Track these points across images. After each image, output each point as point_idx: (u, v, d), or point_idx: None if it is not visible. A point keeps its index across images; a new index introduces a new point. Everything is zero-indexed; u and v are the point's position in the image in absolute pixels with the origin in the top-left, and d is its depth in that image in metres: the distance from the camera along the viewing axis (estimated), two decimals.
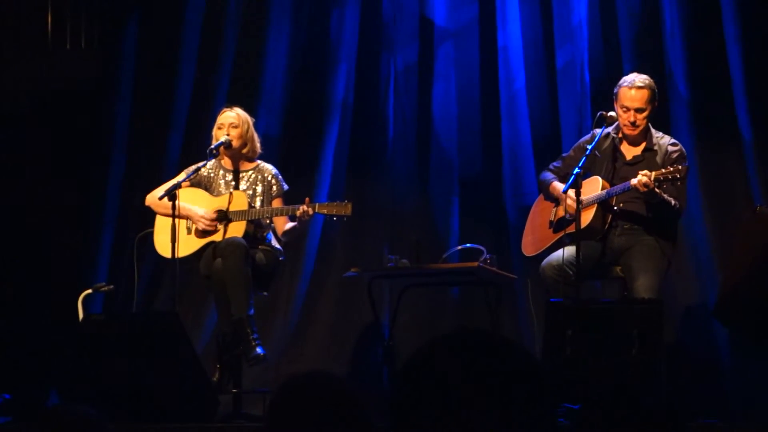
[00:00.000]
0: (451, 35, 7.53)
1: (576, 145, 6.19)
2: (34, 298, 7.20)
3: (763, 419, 5.92)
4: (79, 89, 7.56)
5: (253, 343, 5.82)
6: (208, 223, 6.06)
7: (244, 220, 6.03)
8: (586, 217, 5.79)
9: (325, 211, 5.96)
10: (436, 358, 1.70)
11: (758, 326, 5.71)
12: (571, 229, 5.71)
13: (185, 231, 6.08)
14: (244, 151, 6.25)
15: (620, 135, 5.98)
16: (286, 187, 6.30)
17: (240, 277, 5.81)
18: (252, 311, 5.86)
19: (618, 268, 5.92)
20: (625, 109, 5.86)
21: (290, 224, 6.16)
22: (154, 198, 6.17)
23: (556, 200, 6.08)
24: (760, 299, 5.56)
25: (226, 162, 6.30)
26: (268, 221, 6.20)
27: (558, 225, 6.01)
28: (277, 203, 6.24)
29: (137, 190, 6.96)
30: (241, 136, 6.20)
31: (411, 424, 1.66)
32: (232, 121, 6.21)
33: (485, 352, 1.69)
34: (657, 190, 5.59)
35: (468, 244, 6.67)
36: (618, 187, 5.78)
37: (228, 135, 6.17)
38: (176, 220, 5.85)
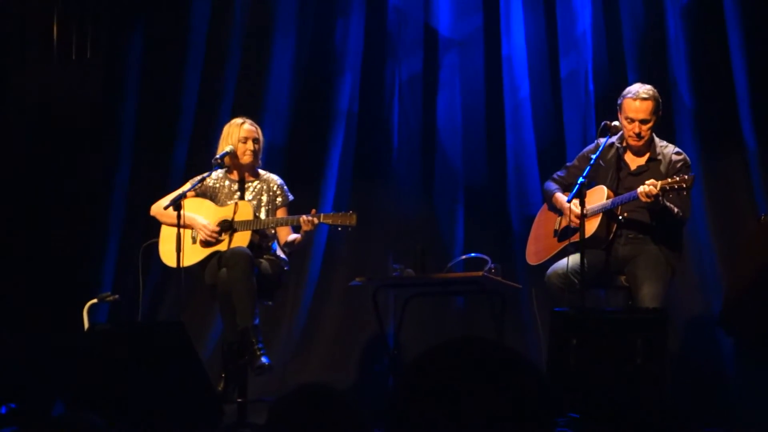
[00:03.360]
0: (455, 45, 7.55)
1: (580, 154, 6.18)
2: (40, 307, 7.22)
3: (767, 428, 5.91)
4: (84, 100, 7.58)
5: (258, 353, 5.82)
6: (209, 233, 6.07)
7: (249, 230, 6.04)
8: (591, 226, 5.79)
9: (330, 221, 5.96)
10: (437, 364, 1.70)
11: (763, 335, 5.71)
12: (576, 238, 5.71)
13: (190, 240, 6.10)
14: (255, 163, 6.30)
15: (624, 144, 5.98)
16: (291, 197, 6.32)
17: (245, 286, 5.82)
18: (257, 321, 5.87)
19: (623, 278, 5.92)
20: (629, 120, 5.85)
21: (293, 236, 6.17)
22: (160, 208, 6.19)
23: (560, 210, 6.08)
24: (764, 308, 5.56)
25: (232, 173, 6.31)
26: (272, 231, 6.21)
27: (563, 234, 6.00)
28: (281, 213, 6.25)
29: (143, 199, 6.97)
30: (259, 150, 6.26)
31: (409, 429, 1.67)
32: (256, 136, 6.26)
33: (487, 361, 1.69)
34: (662, 199, 5.59)
35: (473, 254, 6.67)
36: (624, 197, 5.76)
37: (254, 148, 6.20)
38: (181, 229, 5.86)
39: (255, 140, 6.25)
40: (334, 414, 2.12)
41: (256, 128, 6.29)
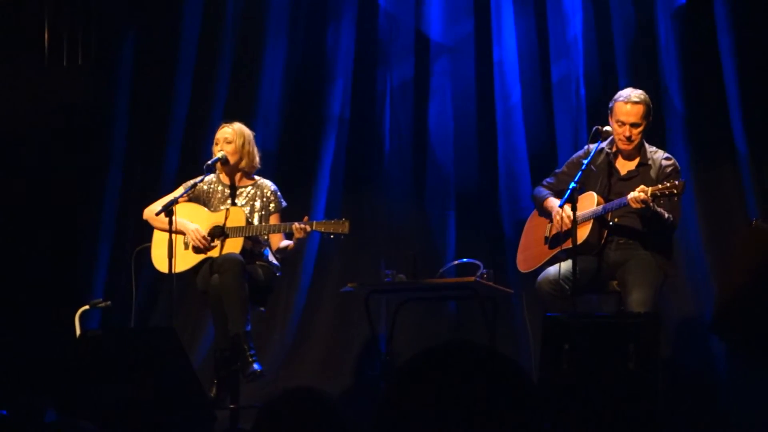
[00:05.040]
0: (446, 50, 7.56)
1: (569, 160, 6.18)
2: (32, 314, 7.20)
3: None
4: (76, 105, 7.57)
5: (250, 359, 5.82)
6: (199, 238, 6.06)
7: (242, 236, 6.03)
8: (582, 232, 5.79)
9: (322, 229, 5.94)
10: (427, 369, 1.70)
11: (755, 340, 5.72)
12: (568, 244, 5.71)
13: (182, 246, 6.08)
14: (241, 165, 6.26)
15: (614, 149, 5.98)
16: (284, 203, 6.30)
17: (237, 293, 5.82)
18: (249, 327, 5.86)
19: (614, 283, 5.92)
20: (620, 124, 5.86)
21: (285, 242, 6.16)
22: (152, 213, 6.18)
23: (550, 216, 6.07)
24: (756, 313, 5.57)
25: (224, 177, 6.30)
26: (265, 237, 6.20)
27: (553, 241, 6.00)
28: (274, 219, 6.24)
29: (134, 205, 6.97)
30: (235, 152, 6.20)
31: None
32: (226, 137, 6.22)
33: (477, 366, 1.70)
34: (653, 205, 5.59)
35: (465, 259, 6.67)
36: (614, 203, 5.77)
37: (222, 150, 6.18)
38: (174, 235, 5.85)
39: (227, 142, 6.22)
40: (321, 418, 2.13)
41: (234, 130, 6.23)
